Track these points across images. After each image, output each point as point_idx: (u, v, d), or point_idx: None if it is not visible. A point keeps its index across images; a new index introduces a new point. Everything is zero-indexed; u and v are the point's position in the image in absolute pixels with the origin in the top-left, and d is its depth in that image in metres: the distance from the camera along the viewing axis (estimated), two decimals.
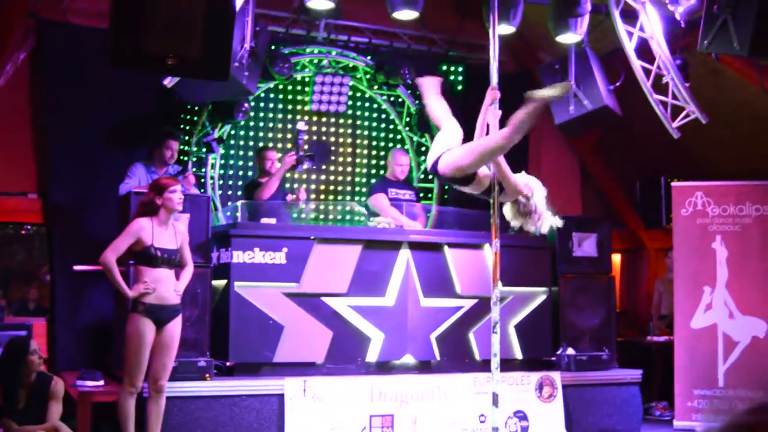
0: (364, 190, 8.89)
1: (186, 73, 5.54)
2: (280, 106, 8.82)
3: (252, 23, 7.02)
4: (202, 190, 8.11)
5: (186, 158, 8.06)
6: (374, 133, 9.24)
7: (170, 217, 5.63)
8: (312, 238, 6.74)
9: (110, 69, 5.28)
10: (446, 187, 9.18)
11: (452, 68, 9.45)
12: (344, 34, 8.88)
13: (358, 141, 9.17)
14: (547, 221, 5.19)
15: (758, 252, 7.74)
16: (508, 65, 9.15)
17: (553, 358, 7.46)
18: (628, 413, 7.43)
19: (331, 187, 9.03)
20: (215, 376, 6.25)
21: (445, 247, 7.14)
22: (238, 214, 6.97)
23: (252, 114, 8.42)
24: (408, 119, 9.32)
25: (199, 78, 5.89)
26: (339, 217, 8.69)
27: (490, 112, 5.12)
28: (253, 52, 7.07)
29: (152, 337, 5.45)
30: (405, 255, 6.97)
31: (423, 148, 9.38)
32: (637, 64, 7.38)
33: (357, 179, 9.13)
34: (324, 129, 9.01)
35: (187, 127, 8.17)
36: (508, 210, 5.17)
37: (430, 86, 5.52)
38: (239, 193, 8.35)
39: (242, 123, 8.42)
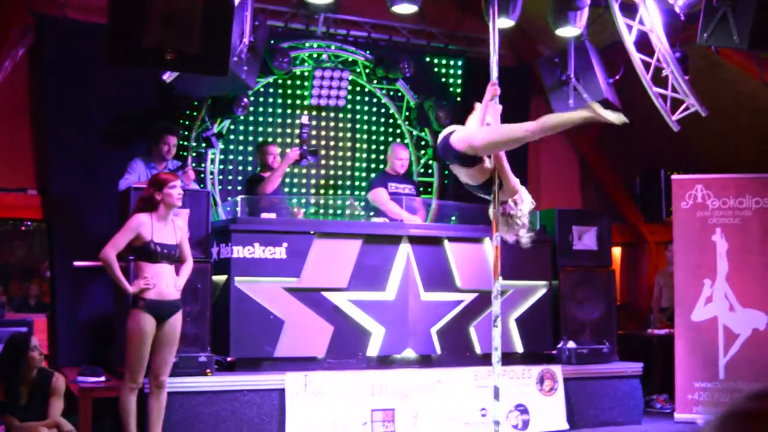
0: (363, 184, 8.88)
1: (185, 67, 5.55)
2: (280, 100, 8.80)
3: (251, 18, 7.01)
4: (203, 185, 8.11)
5: (185, 153, 8.05)
6: (374, 128, 9.23)
7: (170, 212, 5.63)
8: (312, 232, 6.73)
9: (109, 64, 5.29)
10: (446, 182, 9.18)
11: (451, 62, 9.44)
12: (343, 29, 8.87)
13: (358, 135, 9.16)
14: (526, 235, 5.19)
15: (758, 245, 7.74)
16: (508, 59, 9.14)
17: (554, 352, 7.46)
18: (629, 406, 7.44)
19: (331, 182, 9.02)
20: (216, 372, 6.25)
21: (446, 241, 7.14)
22: (238, 209, 6.96)
23: (251, 109, 8.40)
24: (407, 113, 9.30)
25: (198, 73, 5.90)
26: (339, 211, 8.69)
27: (490, 107, 5.11)
28: (252, 46, 7.06)
29: (153, 333, 5.44)
30: (405, 249, 6.96)
31: (423, 142, 9.38)
32: (636, 57, 7.37)
33: (357, 173, 9.12)
34: (323, 123, 9.00)
35: (187, 122, 8.16)
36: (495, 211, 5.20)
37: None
38: (239, 188, 8.34)
39: (242, 118, 8.40)
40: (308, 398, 6.29)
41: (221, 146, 8.41)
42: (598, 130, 9.74)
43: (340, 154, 9.07)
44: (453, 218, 8.26)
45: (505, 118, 5.18)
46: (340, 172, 9.06)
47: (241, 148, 8.60)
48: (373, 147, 9.21)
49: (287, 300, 6.57)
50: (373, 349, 6.81)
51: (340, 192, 8.99)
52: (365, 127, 9.19)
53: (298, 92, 8.84)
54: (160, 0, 4.77)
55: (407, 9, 7.41)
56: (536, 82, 8.49)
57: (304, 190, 8.85)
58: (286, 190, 8.50)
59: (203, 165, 8.30)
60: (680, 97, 7.45)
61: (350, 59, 8.96)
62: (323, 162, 8.93)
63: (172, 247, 5.58)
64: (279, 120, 8.79)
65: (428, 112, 9.02)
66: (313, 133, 8.86)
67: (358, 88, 9.10)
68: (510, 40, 8.90)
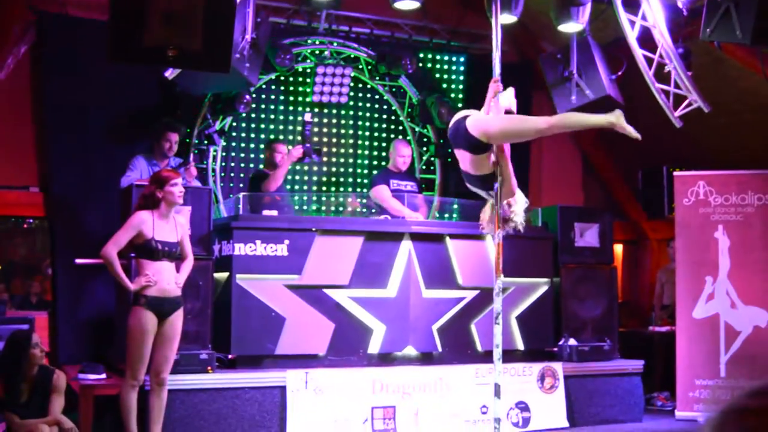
0: (366, 181, 8.87)
1: (187, 65, 5.54)
2: (282, 97, 8.80)
3: (253, 14, 7.00)
4: (212, 181, 8.12)
5: (188, 150, 8.05)
6: (376, 124, 9.22)
7: (171, 210, 5.62)
8: (313, 229, 6.73)
9: (111, 62, 5.28)
10: (448, 179, 9.17)
11: (454, 58, 9.43)
12: (345, 25, 8.86)
13: (360, 132, 9.15)
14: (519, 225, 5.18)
15: (760, 241, 7.72)
16: (510, 55, 9.13)
17: (555, 349, 7.46)
18: (630, 404, 7.44)
19: (333, 179, 9.02)
20: (217, 369, 6.25)
21: (447, 238, 7.13)
22: (240, 207, 6.96)
23: (253, 106, 8.39)
24: (410, 110, 9.29)
25: (200, 70, 5.89)
26: (341, 208, 8.68)
27: (492, 103, 5.10)
28: (255, 43, 7.05)
29: (154, 330, 5.45)
30: (407, 246, 6.96)
31: (425, 139, 9.37)
32: (639, 53, 7.35)
33: (359, 170, 9.11)
34: (326, 120, 8.99)
35: (189, 119, 8.15)
36: (486, 211, 5.19)
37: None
38: (241, 185, 8.34)
39: (244, 115, 8.40)
40: (309, 395, 6.29)
41: (223, 143, 8.42)
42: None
43: (342, 151, 9.07)
44: (455, 215, 8.25)
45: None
46: (342, 169, 9.06)
47: (243, 145, 8.60)
48: (376, 144, 9.20)
49: (288, 297, 6.56)
50: (374, 347, 6.81)
51: (342, 189, 8.99)
52: (367, 123, 9.18)
53: (301, 89, 8.83)
54: None
55: (409, 5, 7.39)
56: (539, 79, 8.47)
57: (306, 187, 8.84)
58: (289, 187, 8.49)
59: (205, 162, 8.31)
60: (683, 93, 7.43)
61: (352, 56, 8.96)
62: (325, 159, 8.92)
63: (174, 245, 5.58)
64: (281, 117, 8.78)
65: (430, 109, 9.02)
66: (316, 129, 8.85)
67: (360, 85, 9.09)
68: (512, 36, 8.88)
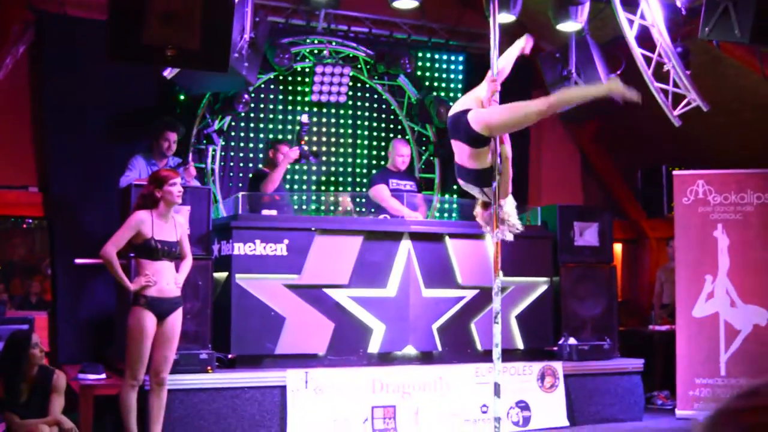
0: (365, 180, 8.87)
1: (185, 64, 5.54)
2: (281, 97, 8.79)
3: (251, 14, 7.00)
4: (205, 181, 8.12)
5: (187, 150, 8.04)
6: (375, 124, 9.22)
7: (170, 209, 5.62)
8: (313, 229, 6.72)
9: (109, 61, 5.28)
10: (447, 178, 9.17)
11: (452, 58, 9.43)
12: (344, 24, 8.86)
13: (359, 131, 9.15)
14: (508, 235, 5.16)
15: (760, 240, 7.72)
16: None
17: (555, 348, 7.45)
18: (630, 402, 7.44)
19: (332, 178, 9.01)
20: (217, 369, 6.25)
21: (446, 238, 7.13)
22: (239, 206, 6.96)
23: (252, 105, 8.39)
24: (409, 109, 9.29)
25: (198, 69, 5.88)
26: (348, 207, 8.66)
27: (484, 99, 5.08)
28: (253, 42, 7.05)
29: (153, 330, 5.45)
30: (406, 246, 6.95)
31: (424, 138, 9.37)
32: (637, 52, 7.35)
33: (358, 170, 9.11)
34: (324, 120, 8.99)
35: (187, 119, 8.14)
36: (477, 208, 5.19)
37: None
38: (240, 184, 8.34)
39: (242, 114, 8.39)
40: (309, 395, 6.29)
41: (222, 143, 8.41)
42: (600, 125, 9.73)
43: (341, 150, 9.06)
44: (454, 214, 8.26)
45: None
46: (341, 169, 9.06)
47: (242, 144, 8.59)
48: (375, 143, 9.20)
49: (288, 297, 6.56)
50: (374, 346, 6.81)
51: (341, 189, 8.98)
52: (366, 123, 9.18)
53: (299, 88, 8.83)
54: None
55: (408, 4, 7.39)
56: (537, 78, 8.47)
57: (305, 187, 8.84)
58: (288, 186, 8.49)
59: (204, 162, 8.30)
60: (681, 92, 7.43)
61: (351, 55, 8.96)
62: (324, 158, 8.92)
63: (173, 244, 5.58)
64: (280, 116, 8.78)
65: (429, 108, 9.02)
66: (314, 129, 8.85)
67: (359, 84, 9.09)
68: (511, 35, 8.82)
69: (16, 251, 8.93)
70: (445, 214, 9.15)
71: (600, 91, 4.89)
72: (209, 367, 6.15)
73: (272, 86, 8.74)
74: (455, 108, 5.11)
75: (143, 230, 5.46)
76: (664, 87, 7.45)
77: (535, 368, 7.07)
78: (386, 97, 9.24)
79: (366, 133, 9.18)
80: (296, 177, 8.76)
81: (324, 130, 8.98)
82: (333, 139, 9.03)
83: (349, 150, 9.09)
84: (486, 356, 6.37)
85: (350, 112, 9.10)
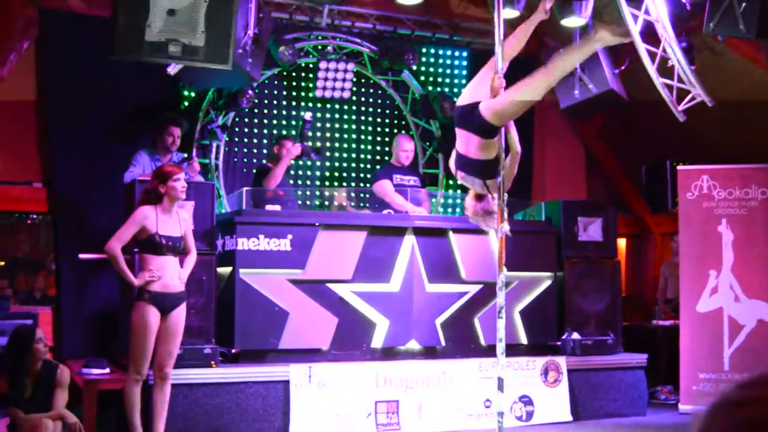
0: (369, 176, 8.87)
1: (189, 60, 5.54)
2: (285, 92, 8.80)
3: (255, 10, 7.00)
4: (209, 176, 8.13)
5: (190, 145, 8.05)
6: (379, 119, 9.22)
7: (174, 204, 5.63)
8: (317, 224, 6.73)
9: (113, 57, 5.29)
10: (450, 173, 9.16)
11: (456, 53, 9.43)
12: (348, 20, 8.85)
13: (363, 127, 9.15)
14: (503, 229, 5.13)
15: (764, 235, 7.71)
16: None
17: (559, 343, 7.45)
18: (634, 397, 7.44)
19: (336, 174, 9.02)
20: (221, 363, 6.27)
21: (450, 233, 7.13)
22: (243, 201, 6.96)
23: (256, 101, 8.40)
24: (413, 105, 9.29)
25: (202, 65, 5.88)
26: (344, 203, 8.68)
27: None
28: (257, 38, 7.05)
29: (157, 325, 5.46)
30: (410, 241, 6.96)
31: (428, 134, 9.36)
32: (642, 48, 7.32)
33: (362, 165, 9.11)
34: (328, 115, 8.99)
35: (191, 115, 8.15)
36: (468, 200, 5.17)
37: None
38: (244, 180, 8.35)
39: (246, 110, 8.40)
40: (313, 390, 6.30)
41: (226, 138, 8.42)
42: (604, 121, 9.72)
43: (345, 146, 9.07)
44: (458, 210, 8.26)
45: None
46: (345, 164, 9.06)
47: (246, 140, 8.60)
48: (378, 139, 9.20)
49: (292, 292, 6.57)
50: (377, 341, 6.82)
51: (345, 184, 8.99)
52: (370, 118, 9.18)
53: (303, 84, 8.83)
54: None
55: (412, 0, 7.37)
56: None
57: (309, 182, 8.85)
58: (292, 182, 8.49)
59: (208, 157, 8.31)
60: (686, 87, 7.41)
61: (355, 51, 8.96)
62: (328, 154, 8.93)
63: (177, 240, 5.59)
64: (284, 112, 8.79)
65: (433, 104, 9.02)
66: (318, 125, 8.86)
67: (363, 80, 9.09)
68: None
69: (20, 247, 8.96)
70: (449, 209, 9.16)
71: (592, 43, 4.86)
72: (213, 362, 6.17)
73: (276, 82, 8.75)
74: (464, 98, 5.09)
75: (147, 225, 5.48)
76: (669, 82, 7.42)
77: (538, 363, 7.08)
78: (390, 92, 9.24)
79: (370, 128, 9.18)
80: (300, 172, 8.77)
81: (328, 125, 8.99)
82: (337, 135, 9.03)
83: (353, 145, 9.10)
84: (489, 351, 6.38)
85: (354, 107, 9.11)
